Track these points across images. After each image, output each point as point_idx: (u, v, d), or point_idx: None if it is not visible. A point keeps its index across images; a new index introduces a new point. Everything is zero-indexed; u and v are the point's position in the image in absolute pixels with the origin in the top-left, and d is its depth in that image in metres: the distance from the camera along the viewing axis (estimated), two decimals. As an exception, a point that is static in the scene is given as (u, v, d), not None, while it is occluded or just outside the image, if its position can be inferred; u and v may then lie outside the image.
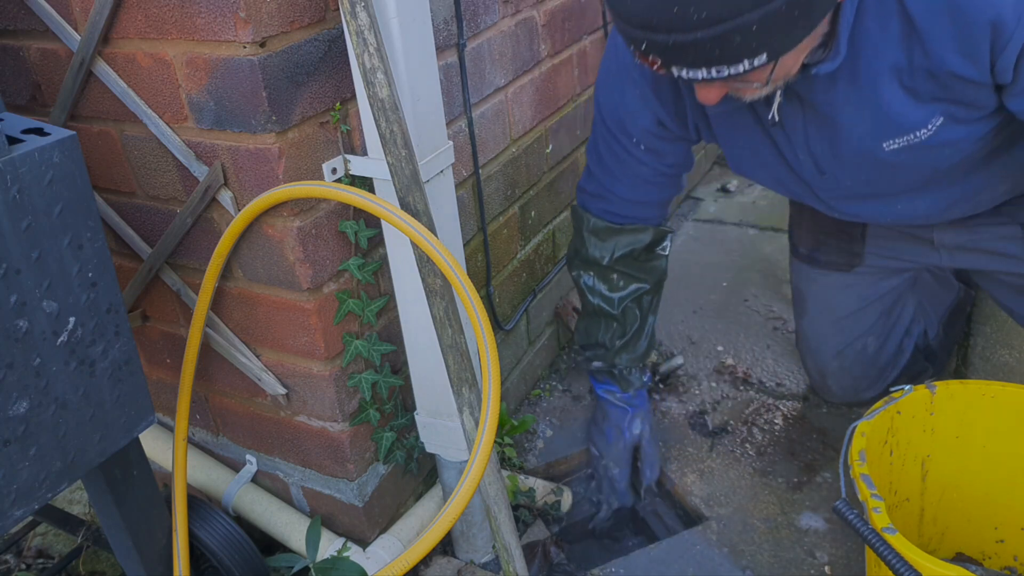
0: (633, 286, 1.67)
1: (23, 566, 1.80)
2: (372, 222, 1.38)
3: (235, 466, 1.66)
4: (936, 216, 1.48)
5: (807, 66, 1.19)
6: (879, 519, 1.16)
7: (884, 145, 1.28)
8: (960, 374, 1.99)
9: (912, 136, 1.25)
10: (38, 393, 0.99)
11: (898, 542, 1.11)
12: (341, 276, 1.38)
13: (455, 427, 1.49)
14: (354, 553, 1.50)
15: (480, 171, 1.68)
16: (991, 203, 1.46)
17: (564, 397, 2.08)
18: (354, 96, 1.31)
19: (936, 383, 1.42)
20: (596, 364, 1.76)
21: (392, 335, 1.51)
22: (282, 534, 1.56)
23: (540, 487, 1.76)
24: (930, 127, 1.23)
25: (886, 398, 1.40)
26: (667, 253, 1.71)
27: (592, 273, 1.68)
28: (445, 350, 1.27)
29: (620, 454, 1.77)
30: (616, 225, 1.63)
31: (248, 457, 1.63)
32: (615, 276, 1.66)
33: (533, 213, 1.96)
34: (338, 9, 1.23)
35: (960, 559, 1.52)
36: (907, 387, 1.41)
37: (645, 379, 1.78)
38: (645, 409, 1.79)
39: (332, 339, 1.38)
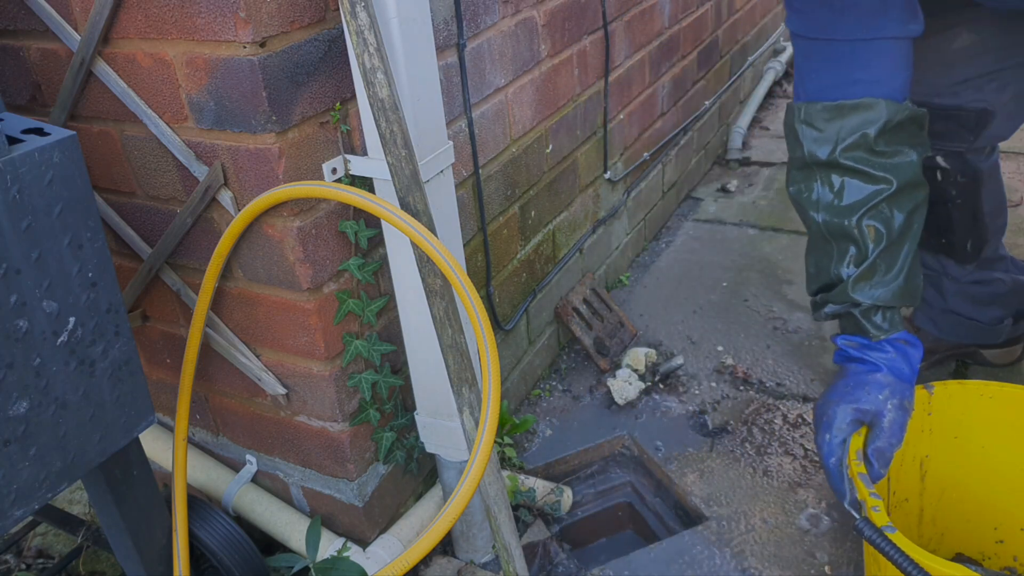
0: (870, 189, 1.28)
1: (23, 566, 1.80)
2: (372, 222, 1.38)
3: (235, 466, 1.66)
4: None
5: None
6: (878, 518, 1.16)
7: None
8: (960, 374, 1.99)
9: None
10: (38, 393, 0.99)
11: (900, 540, 1.11)
12: (341, 276, 1.38)
13: (455, 427, 1.49)
14: (354, 553, 1.50)
15: (480, 171, 1.68)
16: None
17: (564, 397, 2.08)
18: (354, 96, 1.31)
19: (934, 384, 1.41)
20: (830, 308, 1.34)
21: (392, 335, 1.51)
22: (282, 534, 1.56)
23: (540, 487, 1.76)
24: None
25: None
26: (920, 147, 1.29)
27: (812, 181, 1.31)
28: (445, 350, 1.27)
29: (837, 432, 1.28)
30: (836, 102, 1.27)
31: (248, 457, 1.63)
32: (843, 178, 1.29)
33: (533, 213, 1.96)
34: (338, 9, 1.23)
35: (960, 560, 1.52)
36: None
37: (899, 332, 1.32)
38: (897, 371, 1.29)
39: (332, 339, 1.38)
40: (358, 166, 1.32)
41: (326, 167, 1.29)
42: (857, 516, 1.18)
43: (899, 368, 1.30)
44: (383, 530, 1.59)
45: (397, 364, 1.55)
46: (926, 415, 1.43)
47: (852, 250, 1.31)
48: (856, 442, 1.28)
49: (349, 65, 1.27)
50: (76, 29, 1.26)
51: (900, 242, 1.31)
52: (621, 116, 2.33)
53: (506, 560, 1.36)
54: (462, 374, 1.28)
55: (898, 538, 1.12)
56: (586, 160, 2.18)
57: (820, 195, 1.31)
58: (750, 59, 3.54)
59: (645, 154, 2.56)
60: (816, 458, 1.80)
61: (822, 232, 1.33)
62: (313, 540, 1.51)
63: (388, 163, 1.19)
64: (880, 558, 1.15)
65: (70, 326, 1.01)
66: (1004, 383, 1.40)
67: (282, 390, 1.46)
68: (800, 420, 1.91)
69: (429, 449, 1.57)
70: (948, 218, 1.73)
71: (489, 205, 1.75)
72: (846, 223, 1.30)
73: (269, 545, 1.62)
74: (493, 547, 1.67)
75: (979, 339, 1.91)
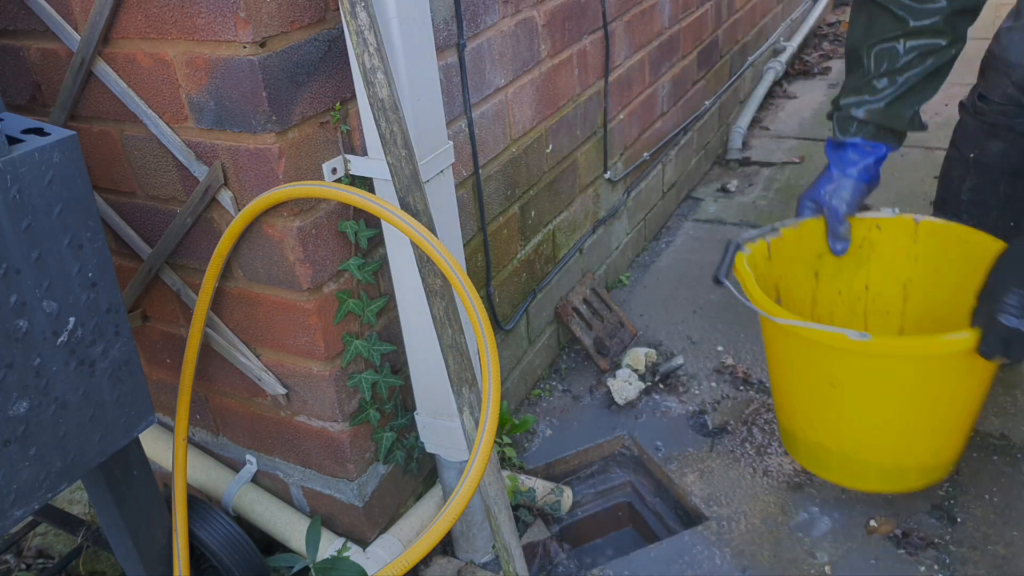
0: (889, 25, 1.47)
1: (23, 566, 1.80)
2: (372, 222, 1.38)
3: (235, 466, 1.66)
4: None
5: None
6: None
7: None
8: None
9: None
10: (38, 393, 0.99)
11: (740, 260, 1.49)
12: (341, 276, 1.38)
13: (455, 427, 1.49)
14: (354, 553, 1.50)
15: (480, 171, 1.68)
16: None
17: (564, 397, 2.08)
18: (354, 96, 1.31)
19: (922, 217, 1.61)
20: (829, 110, 1.60)
21: (392, 335, 1.51)
22: (282, 534, 1.56)
23: (540, 487, 1.76)
24: None
25: (872, 211, 1.64)
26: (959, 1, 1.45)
27: (857, 13, 1.55)
28: (445, 350, 1.27)
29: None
30: None
31: (248, 457, 1.63)
32: (873, 13, 1.50)
33: (533, 213, 1.96)
34: (338, 9, 1.23)
35: None
36: (895, 209, 1.63)
37: (863, 140, 1.54)
38: (844, 167, 1.56)
39: (332, 339, 1.38)
40: (358, 166, 1.32)
41: (326, 167, 1.29)
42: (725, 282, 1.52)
43: (848, 164, 1.56)
44: (383, 530, 1.59)
45: (397, 364, 1.55)
46: (912, 243, 1.63)
47: (859, 70, 1.54)
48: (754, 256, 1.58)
49: (349, 65, 1.27)
50: (76, 29, 1.26)
51: (899, 72, 1.50)
52: (621, 116, 2.33)
53: (506, 560, 1.36)
54: (462, 374, 1.28)
55: (740, 258, 1.52)
56: (586, 160, 2.18)
57: (855, 25, 1.54)
58: (750, 59, 3.54)
59: (645, 154, 2.56)
60: (816, 458, 1.80)
61: (848, 54, 1.56)
62: (313, 540, 1.51)
63: (388, 163, 1.19)
64: (770, 334, 1.53)
65: (70, 326, 1.01)
66: (976, 230, 1.52)
67: (282, 390, 1.46)
68: (800, 420, 1.91)
69: (429, 449, 1.57)
70: None
71: (489, 205, 1.75)
72: (862, 49, 1.52)
73: (269, 545, 1.62)
74: (493, 547, 1.67)
75: None
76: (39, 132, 0.96)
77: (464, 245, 1.62)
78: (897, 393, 1.43)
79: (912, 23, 1.45)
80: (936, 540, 1.57)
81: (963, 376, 1.39)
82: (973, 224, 1.71)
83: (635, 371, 2.08)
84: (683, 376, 2.09)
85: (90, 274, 1.02)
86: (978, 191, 1.75)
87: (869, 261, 1.68)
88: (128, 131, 1.33)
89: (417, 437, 1.58)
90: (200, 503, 1.48)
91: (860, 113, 1.52)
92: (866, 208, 1.62)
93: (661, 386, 2.06)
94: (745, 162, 3.31)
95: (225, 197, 1.28)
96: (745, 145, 3.41)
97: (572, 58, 2.00)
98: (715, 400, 2.00)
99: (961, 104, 1.77)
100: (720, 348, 2.19)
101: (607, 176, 2.31)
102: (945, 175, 1.83)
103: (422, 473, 1.69)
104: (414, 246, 1.21)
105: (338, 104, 1.29)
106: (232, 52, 1.14)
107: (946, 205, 1.82)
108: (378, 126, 1.17)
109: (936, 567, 1.53)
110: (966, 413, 1.50)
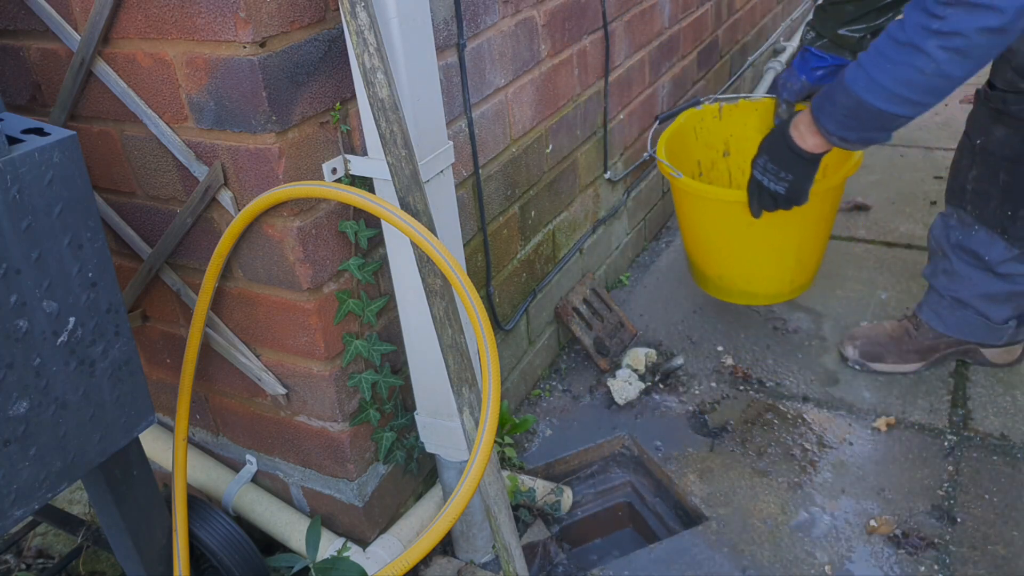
0: None
1: (23, 566, 1.80)
2: (372, 222, 1.38)
3: (235, 466, 1.66)
4: None
5: None
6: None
7: None
8: (961, 374, 1.99)
9: None
10: (38, 393, 0.99)
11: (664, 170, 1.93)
12: (341, 276, 1.38)
13: (455, 427, 1.49)
14: (354, 553, 1.50)
15: (480, 171, 1.68)
16: None
17: (564, 397, 2.08)
18: (354, 96, 1.31)
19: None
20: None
21: (392, 335, 1.51)
22: (282, 534, 1.56)
23: (540, 487, 1.76)
24: None
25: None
26: None
27: None
28: (445, 350, 1.27)
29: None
30: None
31: (248, 457, 1.63)
32: None
33: (533, 213, 1.96)
34: (338, 9, 1.23)
35: None
36: None
37: (814, 50, 1.87)
38: (797, 66, 1.92)
39: (332, 339, 1.38)
40: (358, 166, 1.32)
41: (326, 167, 1.29)
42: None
43: (804, 64, 1.90)
44: (383, 530, 1.59)
45: (397, 364, 1.55)
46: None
47: None
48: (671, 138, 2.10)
49: (349, 65, 1.27)
50: (76, 29, 1.26)
51: (856, 1, 1.76)
52: (621, 116, 2.33)
53: (506, 560, 1.36)
54: (462, 374, 1.28)
55: (685, 114, 2.12)
56: (586, 160, 2.18)
57: None
58: (750, 59, 3.54)
59: (645, 154, 2.56)
60: (815, 458, 1.80)
61: None
62: (313, 540, 1.51)
63: (388, 163, 1.19)
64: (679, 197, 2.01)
65: (70, 326, 1.01)
66: None
67: (282, 390, 1.46)
68: (800, 420, 1.91)
69: (429, 449, 1.57)
70: None
71: (489, 205, 1.75)
72: None
73: (269, 545, 1.62)
74: (493, 547, 1.67)
75: (983, 338, 1.92)
76: (39, 132, 0.96)
77: (464, 245, 1.62)
78: (709, 220, 1.98)
79: None
80: (936, 540, 1.58)
81: (746, 220, 1.83)
82: (976, 215, 1.79)
83: (635, 371, 2.08)
84: (683, 376, 2.09)
85: (90, 274, 1.02)
86: (981, 180, 1.77)
87: None
88: (128, 131, 1.33)
89: (417, 437, 1.58)
90: (200, 503, 1.48)
91: (820, 28, 1.84)
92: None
93: (661, 386, 2.06)
94: (745, 162, 3.30)
95: (225, 197, 1.28)
96: (745, 145, 3.41)
97: (572, 58, 2.00)
98: (715, 400, 2.00)
99: (976, 91, 1.81)
100: (720, 348, 2.19)
101: (607, 176, 2.31)
102: (955, 163, 1.86)
103: (422, 473, 1.69)
104: (414, 246, 1.21)
105: (338, 104, 1.29)
106: (232, 52, 1.14)
107: (954, 195, 1.85)
108: (378, 126, 1.17)
109: (936, 567, 1.53)
110: (775, 249, 1.97)
